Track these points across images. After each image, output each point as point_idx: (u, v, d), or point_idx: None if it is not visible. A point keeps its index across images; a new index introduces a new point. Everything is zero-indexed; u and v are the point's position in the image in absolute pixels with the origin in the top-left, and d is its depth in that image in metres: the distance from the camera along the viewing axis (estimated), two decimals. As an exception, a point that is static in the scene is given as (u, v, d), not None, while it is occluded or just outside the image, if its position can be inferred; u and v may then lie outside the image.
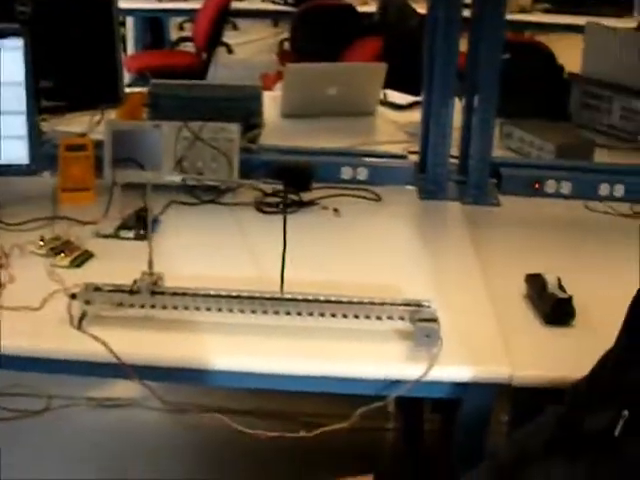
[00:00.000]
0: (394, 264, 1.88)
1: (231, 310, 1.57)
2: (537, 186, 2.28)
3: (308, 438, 1.51)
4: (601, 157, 2.52)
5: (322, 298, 1.57)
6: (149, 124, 2.08)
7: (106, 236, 1.90)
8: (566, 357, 1.57)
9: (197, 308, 1.57)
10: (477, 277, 1.83)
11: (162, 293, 1.58)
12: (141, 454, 2.47)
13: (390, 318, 1.58)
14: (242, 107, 2.38)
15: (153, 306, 1.58)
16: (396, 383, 1.53)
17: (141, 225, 1.92)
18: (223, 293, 1.58)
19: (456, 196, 2.26)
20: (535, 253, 1.97)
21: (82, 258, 1.79)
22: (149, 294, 1.57)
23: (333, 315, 1.57)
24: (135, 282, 1.58)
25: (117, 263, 1.80)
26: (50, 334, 1.55)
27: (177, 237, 1.91)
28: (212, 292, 1.58)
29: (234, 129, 2.09)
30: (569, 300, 1.68)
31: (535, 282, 1.75)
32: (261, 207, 2.10)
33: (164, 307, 1.58)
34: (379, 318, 1.58)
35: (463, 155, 2.32)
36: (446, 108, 2.19)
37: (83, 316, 1.55)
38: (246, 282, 1.66)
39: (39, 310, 1.61)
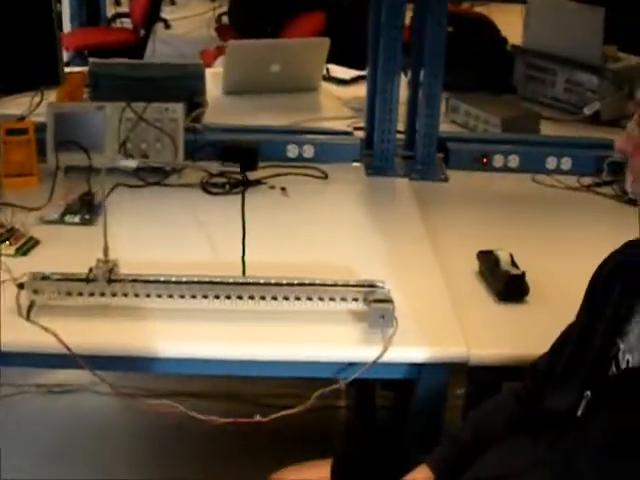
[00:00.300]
0: (345, 244, 1.86)
1: (194, 296, 1.54)
2: (485, 160, 2.28)
3: (263, 422, 1.49)
4: (546, 130, 2.52)
5: (284, 281, 1.55)
6: (92, 105, 2.03)
7: (51, 222, 1.85)
8: (522, 334, 1.58)
9: (158, 295, 1.54)
10: (429, 255, 1.82)
11: (120, 281, 1.54)
12: (92, 439, 2.43)
13: (344, 300, 1.56)
14: (185, 86, 2.34)
15: (111, 294, 1.54)
16: (352, 365, 1.51)
17: (86, 209, 1.88)
18: (184, 279, 1.55)
19: (403, 172, 2.24)
20: (485, 229, 1.97)
21: (28, 245, 1.75)
22: (106, 282, 1.53)
23: (286, 298, 1.55)
24: (91, 270, 1.53)
25: (64, 249, 1.76)
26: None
27: (125, 221, 1.87)
28: (174, 278, 1.55)
29: (178, 109, 2.05)
30: (522, 276, 1.68)
31: (487, 259, 1.75)
32: (208, 188, 2.07)
33: (123, 294, 1.54)
34: (333, 300, 1.57)
35: (410, 130, 2.31)
36: (392, 83, 2.17)
37: (31, 306, 1.52)
38: (202, 266, 1.64)
39: (-15, 301, 1.56)
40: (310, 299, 1.56)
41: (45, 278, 1.53)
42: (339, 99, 2.76)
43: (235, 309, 1.55)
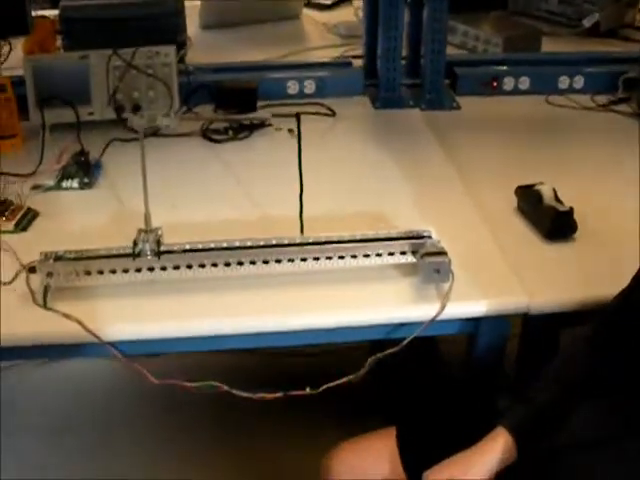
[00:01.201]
0: (370, 188, 1.72)
1: (241, 263, 1.39)
2: (494, 84, 2.13)
3: (315, 396, 1.36)
4: (545, 46, 2.39)
5: (334, 238, 1.42)
6: (74, 55, 1.84)
7: (48, 189, 1.67)
8: (578, 276, 1.45)
9: (214, 264, 1.39)
10: (461, 193, 1.69)
11: (171, 252, 1.38)
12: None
13: (391, 254, 1.43)
14: (165, 24, 2.14)
15: (160, 268, 1.39)
16: (405, 325, 1.39)
17: (83, 172, 1.71)
18: (236, 244, 1.40)
19: (411, 102, 2.09)
20: (510, 158, 1.85)
21: (27, 219, 1.57)
22: (155, 255, 1.36)
23: (341, 257, 1.41)
24: (136, 243, 1.37)
25: (67, 220, 1.59)
26: (13, 317, 1.32)
27: (130, 181, 1.69)
28: (225, 244, 1.39)
29: (170, 52, 1.87)
30: (570, 212, 1.55)
31: (528, 195, 1.62)
32: (209, 135, 1.90)
33: (174, 267, 1.38)
34: (379, 255, 1.43)
35: (412, 55, 2.15)
36: (396, 7, 2.00)
37: (47, 291, 1.35)
38: (235, 224, 1.53)
39: (-7, 288, 1.40)
40: (354, 257, 1.42)
41: (59, 258, 1.36)
42: (323, 25, 2.59)
43: (293, 271, 1.41)
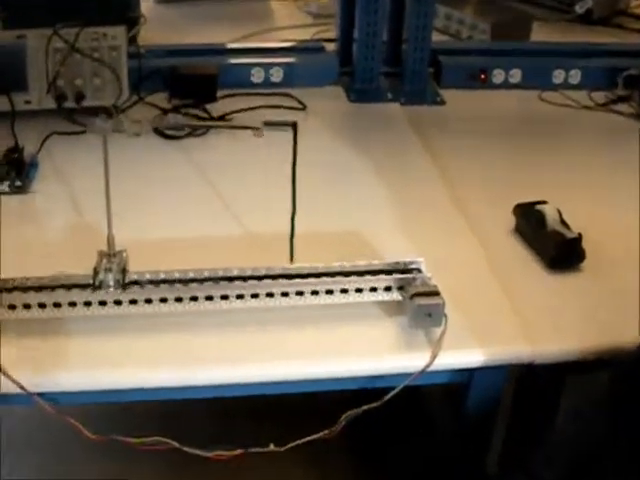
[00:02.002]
0: (346, 200, 1.50)
1: (225, 297, 1.17)
2: (483, 76, 1.92)
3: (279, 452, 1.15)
4: (534, 35, 2.18)
5: (320, 269, 1.21)
6: (8, 35, 1.59)
7: (-29, 194, 1.44)
8: (587, 314, 1.25)
9: (177, 299, 1.16)
10: (450, 208, 1.49)
11: (136, 283, 1.14)
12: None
13: (373, 290, 1.21)
14: (115, -2, 1.89)
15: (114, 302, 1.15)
16: (390, 376, 1.18)
17: (15, 172, 1.47)
18: (219, 274, 1.17)
19: (389, 94, 1.87)
20: (503, 166, 1.64)
21: (-53, 232, 1.33)
22: (119, 287, 1.14)
23: (315, 293, 1.19)
24: (97, 272, 1.13)
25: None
26: None
27: (72, 183, 1.47)
28: (207, 274, 1.17)
29: (119, 34, 1.63)
30: (578, 240, 1.35)
31: (529, 215, 1.41)
32: (162, 130, 1.67)
33: (129, 302, 1.15)
34: (359, 291, 1.21)
35: (392, 40, 1.92)
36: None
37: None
38: (195, 244, 1.31)
39: None
40: (330, 292, 1.21)
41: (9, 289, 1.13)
42: (294, 2, 2.35)
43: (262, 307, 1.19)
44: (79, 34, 1.59)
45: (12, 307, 1.12)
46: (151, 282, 1.15)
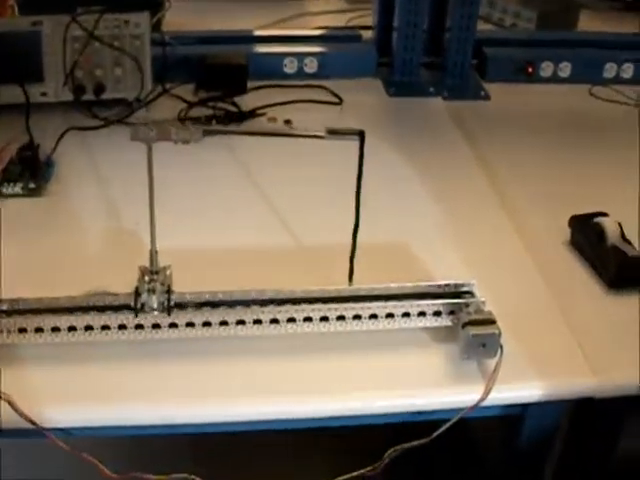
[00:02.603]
0: (387, 208, 1.38)
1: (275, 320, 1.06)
2: (530, 69, 1.79)
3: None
4: (583, 24, 2.05)
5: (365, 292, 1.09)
6: (23, 21, 1.47)
7: (-16, 198, 1.32)
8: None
9: (223, 323, 1.05)
10: (501, 219, 1.36)
11: (183, 306, 1.03)
12: None
13: (421, 314, 1.10)
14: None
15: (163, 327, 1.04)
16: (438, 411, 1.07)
17: (30, 172, 1.36)
18: (269, 296, 1.06)
19: (431, 88, 1.75)
20: (555, 169, 1.51)
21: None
22: (165, 311, 1.02)
23: (357, 317, 1.08)
24: (139, 293, 1.01)
25: (10, 242, 1.23)
26: None
27: (91, 185, 1.36)
28: (254, 295, 1.05)
29: (142, 21, 1.51)
30: (642, 258, 1.23)
31: (586, 229, 1.29)
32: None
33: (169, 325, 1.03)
34: (406, 315, 1.10)
35: (435, 27, 1.79)
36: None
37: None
38: (233, 253, 1.19)
39: None
40: (374, 317, 1.09)
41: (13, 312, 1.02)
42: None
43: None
44: (99, 21, 1.48)
45: (40, 330, 1.01)
46: (196, 304, 1.04)
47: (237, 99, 1.62)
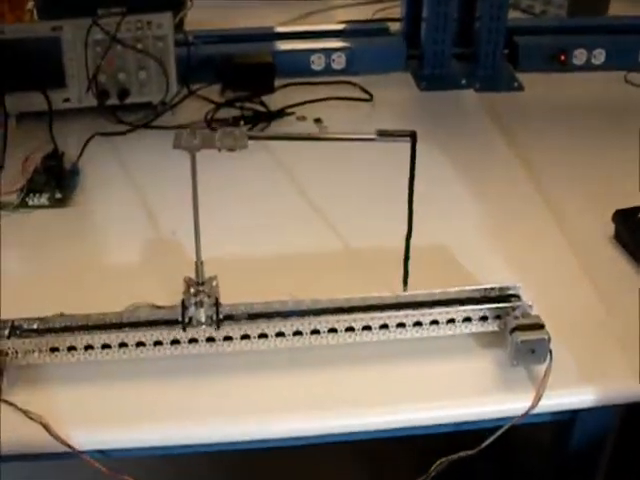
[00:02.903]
0: (425, 208, 1.32)
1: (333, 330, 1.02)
2: (563, 58, 1.74)
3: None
4: (614, 9, 1.99)
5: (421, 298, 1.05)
6: (43, 26, 1.44)
7: (7, 209, 1.28)
8: None
9: (279, 334, 1.01)
10: (542, 217, 1.31)
11: (232, 318, 0.99)
12: None
13: (467, 320, 1.06)
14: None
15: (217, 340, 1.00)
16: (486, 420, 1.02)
17: (55, 182, 1.32)
18: (307, 306, 1.02)
19: (463, 80, 1.70)
20: (593, 161, 1.46)
21: (-20, 256, 1.18)
22: (213, 324, 0.98)
23: (402, 325, 1.03)
24: (185, 306, 0.98)
25: (33, 254, 1.20)
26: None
27: (118, 194, 1.32)
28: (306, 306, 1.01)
29: (165, 20, 1.47)
30: (693, 254, 1.18)
31: (632, 224, 1.24)
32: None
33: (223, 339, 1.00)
34: (451, 322, 1.05)
35: (464, 17, 1.74)
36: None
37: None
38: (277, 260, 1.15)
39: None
40: (419, 324, 1.05)
41: (16, 330, 0.99)
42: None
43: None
44: (120, 23, 1.44)
45: (90, 347, 0.98)
46: (247, 316, 1.00)
47: (265, 98, 1.58)
